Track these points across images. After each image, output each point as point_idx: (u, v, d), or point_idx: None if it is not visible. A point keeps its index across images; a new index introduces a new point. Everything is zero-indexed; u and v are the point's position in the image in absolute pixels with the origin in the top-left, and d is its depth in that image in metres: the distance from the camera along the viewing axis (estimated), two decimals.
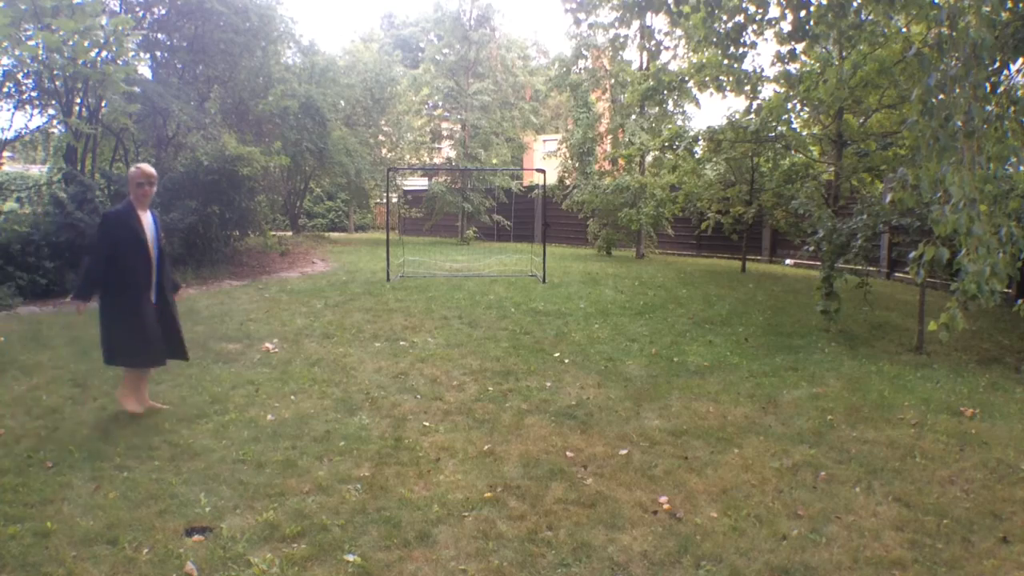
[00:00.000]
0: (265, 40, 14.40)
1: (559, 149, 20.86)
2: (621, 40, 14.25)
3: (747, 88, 12.07)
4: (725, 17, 8.21)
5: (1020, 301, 4.50)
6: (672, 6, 8.71)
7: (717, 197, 14.52)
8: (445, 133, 24.35)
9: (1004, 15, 5.43)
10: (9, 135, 10.93)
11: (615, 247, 17.72)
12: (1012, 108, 4.43)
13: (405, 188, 24.94)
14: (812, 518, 3.55)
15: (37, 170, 17.65)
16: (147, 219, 4.89)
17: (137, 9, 12.76)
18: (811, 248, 8.54)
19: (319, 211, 26.67)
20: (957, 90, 4.12)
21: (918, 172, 4.36)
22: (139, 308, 4.79)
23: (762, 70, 11.88)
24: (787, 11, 7.98)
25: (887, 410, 5.29)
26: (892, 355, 7.18)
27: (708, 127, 13.31)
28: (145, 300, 4.83)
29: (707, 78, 12.31)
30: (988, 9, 4.23)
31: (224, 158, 11.61)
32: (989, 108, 4.22)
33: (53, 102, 10.93)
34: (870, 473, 4.11)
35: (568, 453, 4.36)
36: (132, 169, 4.89)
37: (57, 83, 10.36)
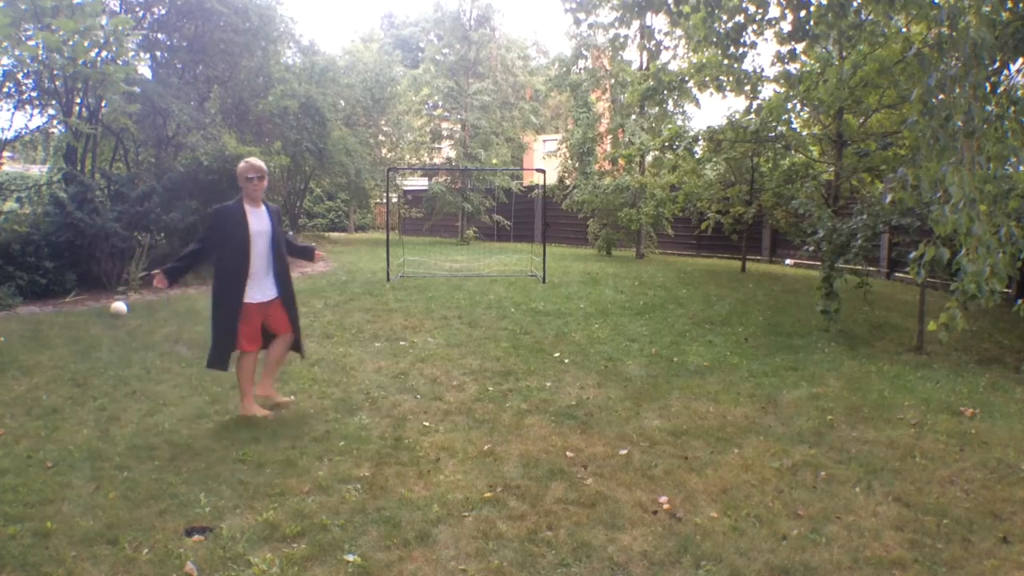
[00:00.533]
0: (265, 40, 14.39)
1: (559, 149, 20.85)
2: (621, 40, 14.21)
3: (747, 88, 12.06)
4: (725, 17, 8.22)
5: (1020, 301, 4.50)
6: (672, 6, 8.74)
7: (717, 197, 14.51)
8: (445, 133, 24.34)
9: (1004, 15, 5.43)
10: (9, 135, 10.93)
11: (615, 247, 17.71)
12: (1012, 108, 4.44)
13: (405, 188, 24.94)
14: (812, 518, 3.55)
15: (37, 170, 17.62)
16: (259, 213, 4.79)
17: (137, 9, 12.74)
18: (811, 248, 8.53)
19: (319, 211, 26.67)
20: (957, 90, 4.12)
21: (918, 172, 4.36)
22: (230, 304, 4.73)
23: (762, 70, 11.87)
24: (787, 11, 8.00)
25: (887, 410, 5.29)
26: (892, 355, 7.18)
27: (708, 127, 13.30)
28: (236, 297, 4.72)
29: (707, 78, 12.30)
30: (988, 9, 4.24)
31: (224, 158, 11.61)
32: (989, 108, 4.23)
33: (53, 102, 10.92)
34: (870, 473, 4.11)
35: (568, 453, 4.36)
36: (241, 164, 4.77)
37: (57, 83, 10.35)
